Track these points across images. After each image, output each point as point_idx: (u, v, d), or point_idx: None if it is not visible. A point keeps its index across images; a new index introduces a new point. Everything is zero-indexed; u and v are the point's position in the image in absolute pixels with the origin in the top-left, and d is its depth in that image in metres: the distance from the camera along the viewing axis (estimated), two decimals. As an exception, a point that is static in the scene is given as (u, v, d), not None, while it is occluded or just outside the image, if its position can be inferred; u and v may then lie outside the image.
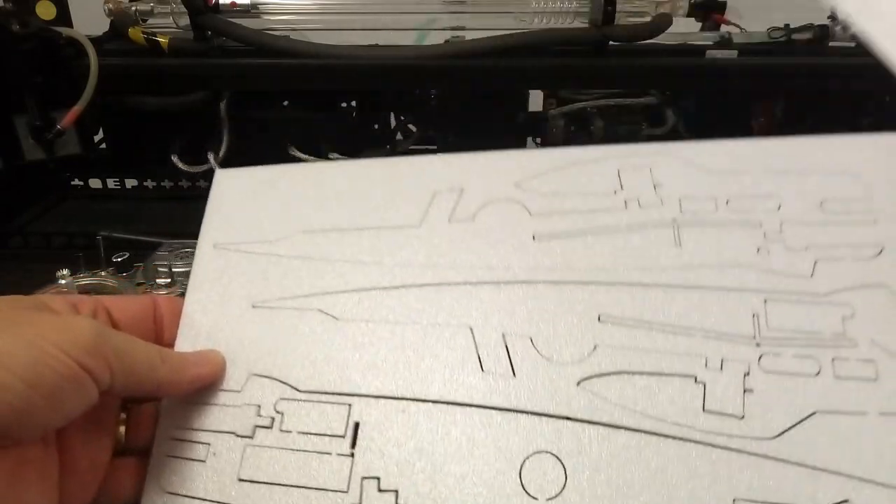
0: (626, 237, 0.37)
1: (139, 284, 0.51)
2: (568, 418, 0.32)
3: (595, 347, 0.33)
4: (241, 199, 0.45)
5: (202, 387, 0.35)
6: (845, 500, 0.28)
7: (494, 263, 0.37)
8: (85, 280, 0.51)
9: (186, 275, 0.52)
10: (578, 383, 0.33)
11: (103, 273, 0.53)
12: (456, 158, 0.44)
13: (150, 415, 0.36)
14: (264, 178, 0.45)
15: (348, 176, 0.43)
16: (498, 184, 0.42)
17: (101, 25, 0.95)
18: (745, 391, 0.31)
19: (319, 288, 0.38)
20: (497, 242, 0.39)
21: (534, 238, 0.38)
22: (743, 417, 0.31)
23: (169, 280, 0.50)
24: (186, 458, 0.34)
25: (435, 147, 0.97)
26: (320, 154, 0.94)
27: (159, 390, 0.33)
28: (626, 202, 0.38)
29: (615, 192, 0.39)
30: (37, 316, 0.29)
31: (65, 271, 0.49)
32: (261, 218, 0.43)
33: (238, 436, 0.34)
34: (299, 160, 0.94)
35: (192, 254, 0.55)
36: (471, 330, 0.35)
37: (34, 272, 0.55)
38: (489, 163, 0.43)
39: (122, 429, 0.35)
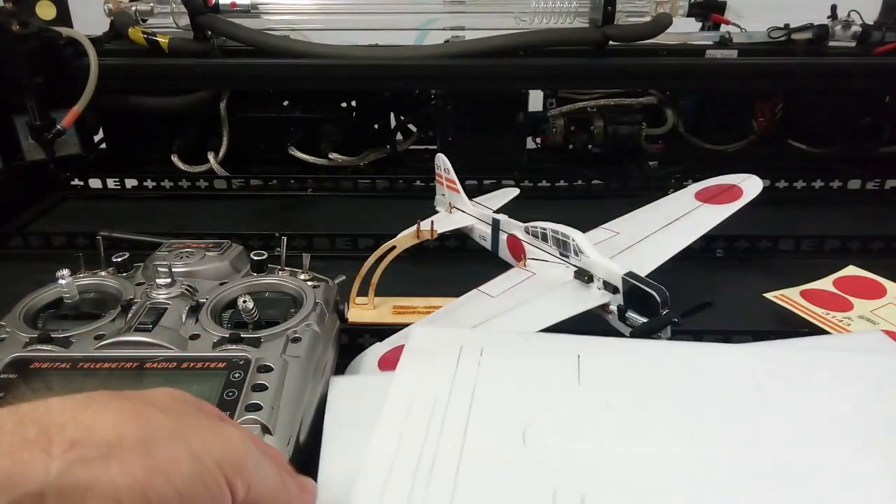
0: None
1: (139, 284, 0.51)
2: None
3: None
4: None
5: None
6: None
7: None
8: (85, 280, 0.51)
9: (186, 275, 0.52)
10: None
11: (103, 273, 0.53)
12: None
13: None
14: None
15: None
16: None
17: (101, 25, 0.95)
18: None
19: None
20: None
21: None
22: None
23: (169, 280, 0.50)
24: None
25: (435, 147, 0.97)
26: (320, 154, 0.94)
27: None
28: None
29: None
30: (197, 421, 0.29)
31: (65, 271, 0.49)
32: None
33: None
34: (299, 160, 0.94)
35: (192, 254, 0.55)
36: None
37: (34, 272, 0.55)
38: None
39: None
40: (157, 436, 0.27)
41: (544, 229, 0.61)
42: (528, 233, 0.64)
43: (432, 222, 0.63)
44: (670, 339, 0.51)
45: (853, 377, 0.42)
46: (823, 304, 0.57)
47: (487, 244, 0.69)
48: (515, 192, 0.80)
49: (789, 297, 0.58)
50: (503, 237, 0.67)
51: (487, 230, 0.69)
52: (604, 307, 0.54)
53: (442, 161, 0.76)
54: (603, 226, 0.68)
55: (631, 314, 0.52)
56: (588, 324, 0.54)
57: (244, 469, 0.28)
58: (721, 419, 0.40)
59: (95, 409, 0.27)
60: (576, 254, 0.57)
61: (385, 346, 0.52)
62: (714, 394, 0.42)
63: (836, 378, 0.42)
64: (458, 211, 0.74)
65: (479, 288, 0.59)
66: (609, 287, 0.54)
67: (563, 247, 0.59)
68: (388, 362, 0.49)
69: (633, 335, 0.52)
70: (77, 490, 0.24)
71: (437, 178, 0.78)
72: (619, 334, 0.53)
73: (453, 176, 0.75)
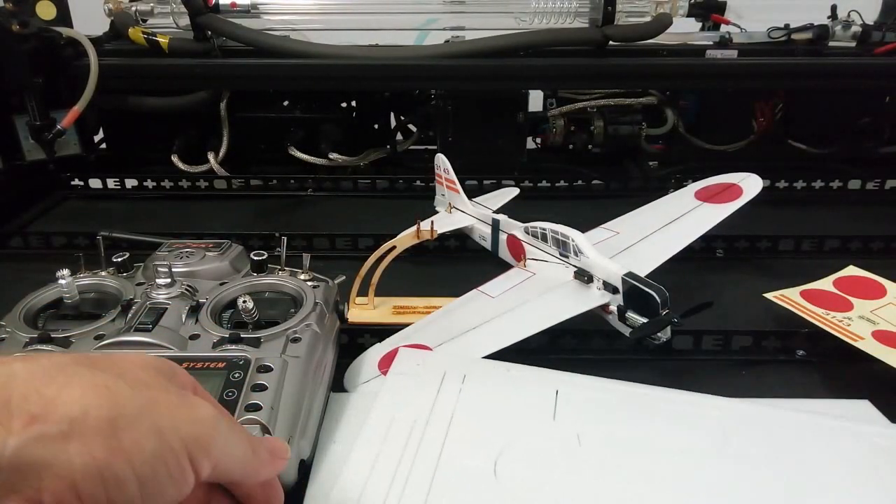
0: None
1: (139, 285, 0.51)
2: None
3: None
4: None
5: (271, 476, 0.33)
6: None
7: None
8: (85, 280, 0.51)
9: (186, 275, 0.52)
10: None
11: (103, 273, 0.53)
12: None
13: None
14: None
15: None
16: None
17: (101, 25, 0.96)
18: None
19: None
20: None
21: None
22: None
23: (169, 280, 0.50)
24: None
25: (435, 147, 0.98)
26: (320, 154, 0.94)
27: (239, 481, 0.32)
28: None
29: None
30: (167, 396, 0.28)
31: (65, 271, 0.49)
32: None
33: None
34: (299, 160, 0.94)
35: (192, 254, 0.55)
36: None
37: (34, 272, 0.55)
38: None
39: None
40: (124, 412, 0.26)
41: (544, 230, 0.61)
42: (527, 233, 0.64)
43: (432, 222, 0.63)
44: (670, 339, 0.51)
45: (826, 443, 0.42)
46: (823, 304, 0.57)
47: (487, 244, 0.69)
48: (515, 191, 0.80)
49: (789, 298, 0.58)
50: (503, 237, 0.67)
51: (487, 230, 0.69)
52: (604, 307, 0.54)
53: (442, 161, 0.76)
54: (603, 225, 0.68)
55: (631, 314, 0.51)
56: (588, 324, 0.54)
57: (210, 446, 0.28)
58: (687, 465, 0.41)
59: (62, 380, 0.25)
60: (575, 254, 0.57)
61: (385, 346, 0.52)
62: (684, 440, 0.43)
63: (807, 441, 0.42)
64: (458, 211, 0.74)
65: (479, 288, 0.59)
66: (609, 287, 0.54)
67: (562, 247, 0.59)
68: (389, 362, 0.50)
69: (633, 335, 0.52)
70: (33, 467, 0.24)
71: (436, 178, 0.78)
72: (619, 334, 0.54)
73: (453, 176, 0.75)
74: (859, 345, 0.50)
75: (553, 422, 0.44)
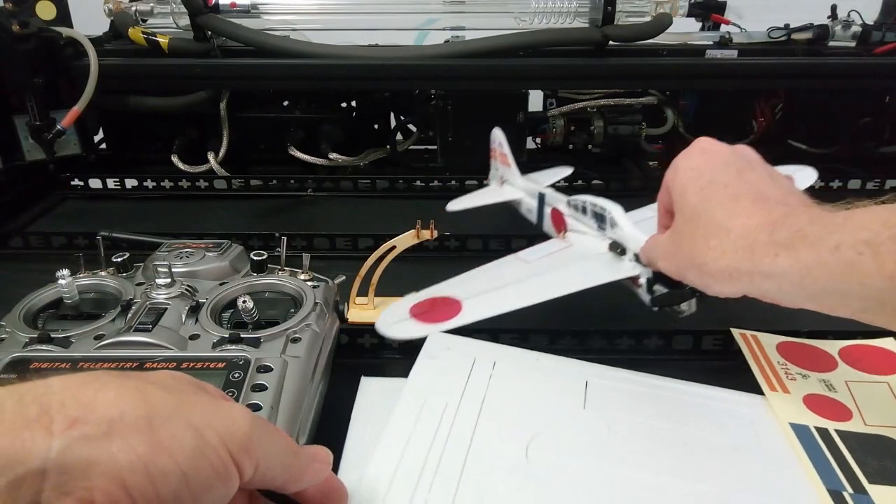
0: None
1: (139, 285, 0.51)
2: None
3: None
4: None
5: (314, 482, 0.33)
6: None
7: None
8: (85, 280, 0.51)
9: (186, 275, 0.52)
10: None
11: (103, 273, 0.53)
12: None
13: None
14: None
15: None
16: None
17: (101, 25, 0.96)
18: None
19: None
20: None
21: None
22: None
23: (169, 280, 0.50)
24: None
25: (435, 147, 0.97)
26: (320, 154, 0.94)
27: (283, 486, 0.32)
28: None
29: None
30: (199, 398, 0.29)
31: (65, 271, 0.49)
32: None
33: None
34: (299, 160, 0.94)
35: (192, 254, 0.55)
36: None
37: (34, 272, 0.55)
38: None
39: None
40: (159, 412, 0.26)
41: (584, 202, 0.61)
42: (569, 206, 0.64)
43: (432, 222, 0.63)
44: (694, 313, 0.51)
45: None
46: (803, 362, 0.51)
47: (533, 217, 0.71)
48: (569, 170, 0.83)
49: (757, 342, 0.53)
50: (548, 210, 0.68)
51: (534, 204, 0.70)
52: (633, 279, 0.54)
53: (497, 136, 0.78)
54: (649, 206, 0.65)
55: (659, 287, 0.51)
56: (588, 324, 0.55)
57: (250, 445, 0.28)
58: (717, 461, 0.41)
59: (96, 386, 0.26)
60: (611, 226, 0.57)
61: (421, 295, 0.54)
62: (715, 436, 0.43)
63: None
64: (509, 185, 0.77)
65: (517, 254, 0.60)
66: (640, 260, 0.54)
67: (599, 219, 0.59)
68: (420, 311, 0.52)
69: (654, 303, 0.51)
70: (79, 467, 0.24)
71: (491, 152, 0.81)
72: (620, 334, 0.54)
73: (506, 150, 0.77)
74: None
75: (583, 411, 0.45)
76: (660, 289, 0.51)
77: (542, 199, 0.69)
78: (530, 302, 0.51)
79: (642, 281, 0.53)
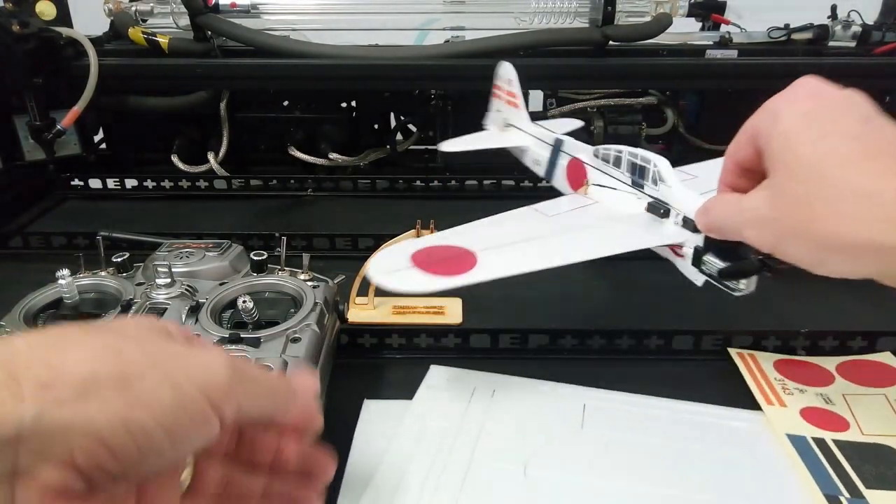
0: None
1: (139, 285, 0.51)
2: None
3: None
4: None
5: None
6: None
7: None
8: (85, 280, 0.51)
9: (186, 275, 0.52)
10: None
11: (103, 273, 0.53)
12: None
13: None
14: None
15: None
16: None
17: (101, 25, 0.95)
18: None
19: None
20: None
21: None
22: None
23: (169, 280, 0.50)
24: None
25: (435, 147, 0.97)
26: (320, 154, 0.94)
27: (270, 421, 0.32)
28: None
29: None
30: (174, 348, 0.29)
31: (65, 271, 0.49)
32: None
33: None
34: (299, 160, 0.94)
35: (192, 254, 0.55)
36: None
37: (34, 272, 0.55)
38: None
39: (188, 471, 0.32)
40: (133, 369, 0.26)
41: (619, 152, 0.53)
42: (596, 156, 0.56)
43: (432, 222, 0.63)
44: (747, 293, 0.44)
45: None
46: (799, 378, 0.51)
47: (541, 169, 0.63)
48: (580, 123, 0.78)
49: (755, 362, 0.52)
50: (563, 161, 0.60)
51: (545, 153, 0.63)
52: (675, 247, 0.46)
53: (506, 70, 0.69)
54: (680, 168, 0.58)
55: (710, 258, 0.44)
56: (587, 323, 0.54)
57: (230, 392, 0.27)
58: (714, 471, 0.42)
59: (64, 346, 0.26)
60: (654, 182, 0.49)
61: (423, 242, 0.48)
62: (713, 451, 0.44)
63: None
64: (514, 129, 0.68)
65: (534, 206, 0.53)
66: (689, 224, 0.45)
67: (639, 173, 0.51)
68: (422, 259, 0.45)
69: (722, 274, 0.43)
70: (57, 431, 0.23)
71: (494, 90, 0.71)
72: (620, 334, 0.53)
73: (516, 89, 0.68)
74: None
75: (581, 430, 0.46)
76: (711, 260, 0.43)
77: (557, 146, 0.61)
78: (558, 263, 0.45)
79: (687, 250, 0.45)
